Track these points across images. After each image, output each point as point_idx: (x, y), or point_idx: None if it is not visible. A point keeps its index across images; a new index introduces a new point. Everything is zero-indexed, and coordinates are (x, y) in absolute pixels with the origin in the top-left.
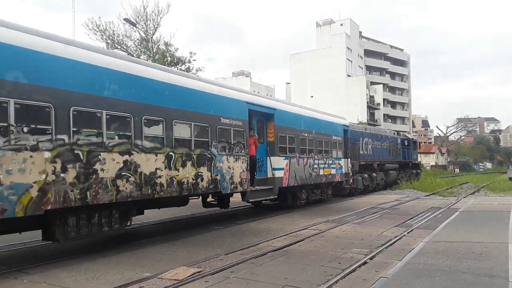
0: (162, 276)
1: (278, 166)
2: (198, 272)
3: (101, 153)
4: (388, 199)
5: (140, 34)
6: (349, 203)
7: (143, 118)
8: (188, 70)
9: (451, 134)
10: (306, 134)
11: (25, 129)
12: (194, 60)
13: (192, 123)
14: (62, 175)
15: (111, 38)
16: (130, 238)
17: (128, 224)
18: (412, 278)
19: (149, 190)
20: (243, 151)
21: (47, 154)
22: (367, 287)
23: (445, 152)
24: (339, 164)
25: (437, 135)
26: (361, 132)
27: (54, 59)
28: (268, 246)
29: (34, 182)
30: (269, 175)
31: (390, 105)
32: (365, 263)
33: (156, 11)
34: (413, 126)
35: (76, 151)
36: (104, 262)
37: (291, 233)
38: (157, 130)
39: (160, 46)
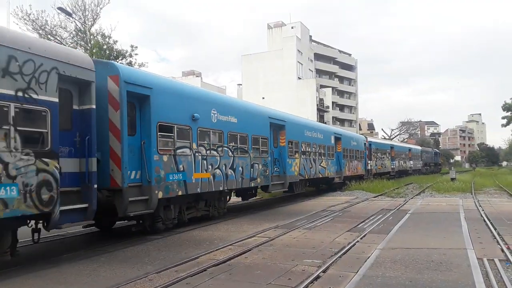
0: None
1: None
2: None
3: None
4: (339, 201)
5: (76, 24)
6: (299, 206)
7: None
8: (130, 64)
9: (395, 136)
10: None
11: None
12: (136, 54)
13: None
14: None
15: (43, 28)
16: (39, 257)
17: None
18: None
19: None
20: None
21: None
22: None
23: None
24: (419, 163)
25: (382, 137)
26: (421, 150)
27: None
28: (210, 260)
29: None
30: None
31: (338, 108)
32: (318, 277)
33: (96, 1)
34: (360, 128)
35: None
36: None
37: (236, 242)
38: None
39: (97, 39)
